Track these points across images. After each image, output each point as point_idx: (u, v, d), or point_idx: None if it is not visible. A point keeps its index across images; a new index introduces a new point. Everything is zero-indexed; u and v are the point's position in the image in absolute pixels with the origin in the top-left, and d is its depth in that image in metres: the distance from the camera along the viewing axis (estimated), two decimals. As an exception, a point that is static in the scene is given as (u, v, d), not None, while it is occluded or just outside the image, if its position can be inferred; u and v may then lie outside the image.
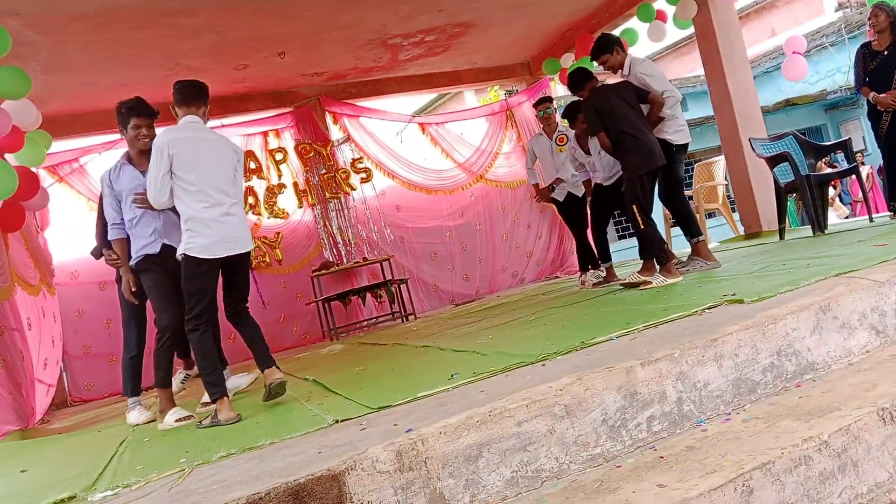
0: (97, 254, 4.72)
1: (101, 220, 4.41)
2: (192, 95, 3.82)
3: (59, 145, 7.64)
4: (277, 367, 3.80)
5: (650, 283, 4.93)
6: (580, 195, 6.62)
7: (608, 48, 5.39)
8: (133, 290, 4.12)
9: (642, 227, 5.06)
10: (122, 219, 4.12)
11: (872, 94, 5.73)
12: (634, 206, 5.05)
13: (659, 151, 5.07)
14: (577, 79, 5.45)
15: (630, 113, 5.10)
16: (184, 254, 3.64)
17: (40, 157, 6.13)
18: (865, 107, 6.02)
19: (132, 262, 4.07)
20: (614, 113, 5.08)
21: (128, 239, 4.14)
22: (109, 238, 4.19)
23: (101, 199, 4.37)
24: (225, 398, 3.57)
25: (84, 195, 7.66)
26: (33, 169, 6.13)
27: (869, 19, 5.89)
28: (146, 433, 3.84)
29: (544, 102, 6.86)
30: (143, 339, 4.57)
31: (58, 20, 5.70)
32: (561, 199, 6.75)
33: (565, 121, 6.39)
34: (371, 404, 2.89)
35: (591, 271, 6.57)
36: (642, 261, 5.25)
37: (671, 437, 2.44)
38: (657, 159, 5.04)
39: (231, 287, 3.84)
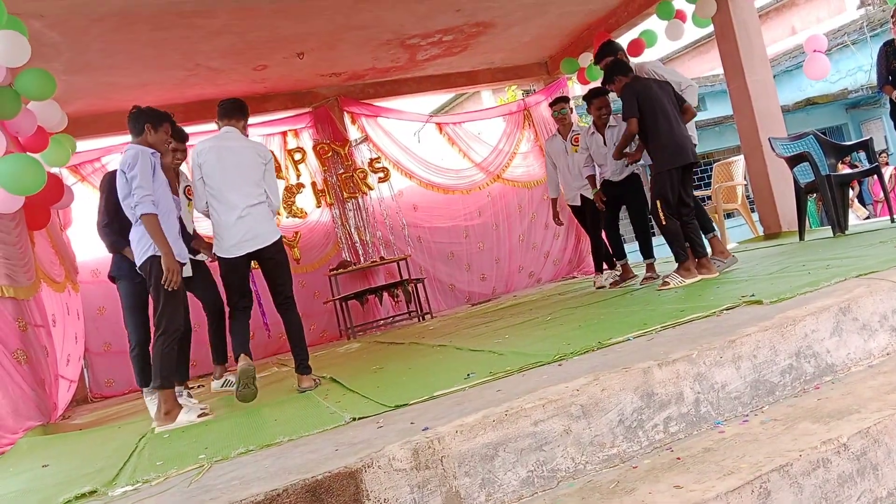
0: (116, 247, 4.44)
1: (109, 208, 4.29)
2: (228, 110, 4.37)
3: (81, 145, 7.74)
4: (309, 376, 4.30)
5: (668, 283, 4.90)
6: (591, 196, 6.50)
7: (612, 53, 5.29)
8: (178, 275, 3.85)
9: (664, 222, 4.94)
10: None
11: (895, 92, 5.67)
12: (659, 202, 4.93)
13: (691, 147, 4.99)
14: (620, 66, 5.22)
15: (668, 105, 4.99)
16: (215, 254, 4.31)
17: (65, 157, 6.22)
18: (888, 106, 5.95)
19: (152, 254, 3.83)
20: (654, 101, 4.95)
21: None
22: (145, 211, 3.75)
23: (107, 184, 4.39)
24: (243, 353, 4.09)
25: (106, 194, 7.76)
26: (55, 170, 6.21)
27: (892, 17, 5.82)
28: (166, 429, 3.87)
29: (560, 102, 6.78)
30: (145, 335, 4.53)
31: (80, 21, 5.77)
32: (578, 202, 6.69)
33: (582, 119, 6.34)
34: (388, 403, 2.90)
35: (607, 271, 6.55)
36: (677, 262, 5.05)
37: (688, 439, 2.43)
38: (689, 155, 4.96)
39: (268, 279, 4.37)
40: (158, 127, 4.10)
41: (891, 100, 5.79)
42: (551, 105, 6.98)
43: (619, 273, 6.33)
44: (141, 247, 3.88)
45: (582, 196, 6.57)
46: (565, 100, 6.88)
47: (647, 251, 5.95)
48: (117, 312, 7.58)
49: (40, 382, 5.04)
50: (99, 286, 7.76)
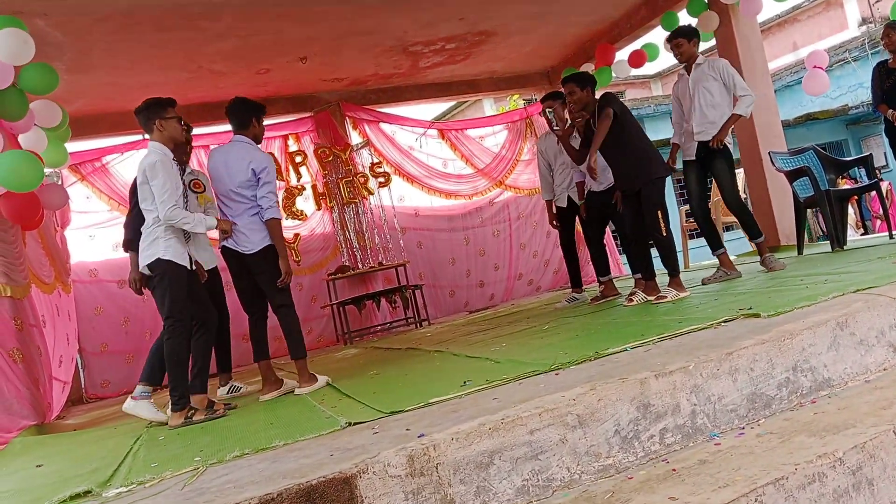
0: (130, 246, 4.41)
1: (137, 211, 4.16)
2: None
3: (81, 144, 7.74)
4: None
5: (665, 297, 4.85)
6: (578, 202, 6.20)
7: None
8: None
9: (665, 233, 4.88)
10: None
11: (890, 111, 5.69)
12: (659, 212, 4.86)
13: None
14: (589, 77, 5.21)
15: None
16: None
17: (63, 157, 6.21)
18: (884, 124, 5.98)
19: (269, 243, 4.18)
20: (630, 119, 5.01)
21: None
22: (277, 216, 4.18)
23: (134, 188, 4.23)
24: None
25: (105, 194, 7.75)
26: (46, 171, 6.16)
27: (882, 39, 5.85)
28: (161, 431, 3.87)
29: (549, 99, 6.14)
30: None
31: (83, 21, 5.78)
32: (564, 204, 6.33)
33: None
34: (384, 409, 2.90)
35: (572, 294, 6.53)
36: (669, 276, 4.95)
37: (684, 450, 2.43)
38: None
39: None
40: (262, 118, 4.38)
41: (885, 118, 5.81)
42: (542, 101, 6.31)
43: (578, 298, 6.35)
44: (261, 234, 4.17)
45: (569, 198, 6.28)
46: (555, 95, 6.20)
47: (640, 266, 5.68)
48: (115, 313, 7.68)
49: (35, 382, 5.03)
50: (97, 286, 7.77)
